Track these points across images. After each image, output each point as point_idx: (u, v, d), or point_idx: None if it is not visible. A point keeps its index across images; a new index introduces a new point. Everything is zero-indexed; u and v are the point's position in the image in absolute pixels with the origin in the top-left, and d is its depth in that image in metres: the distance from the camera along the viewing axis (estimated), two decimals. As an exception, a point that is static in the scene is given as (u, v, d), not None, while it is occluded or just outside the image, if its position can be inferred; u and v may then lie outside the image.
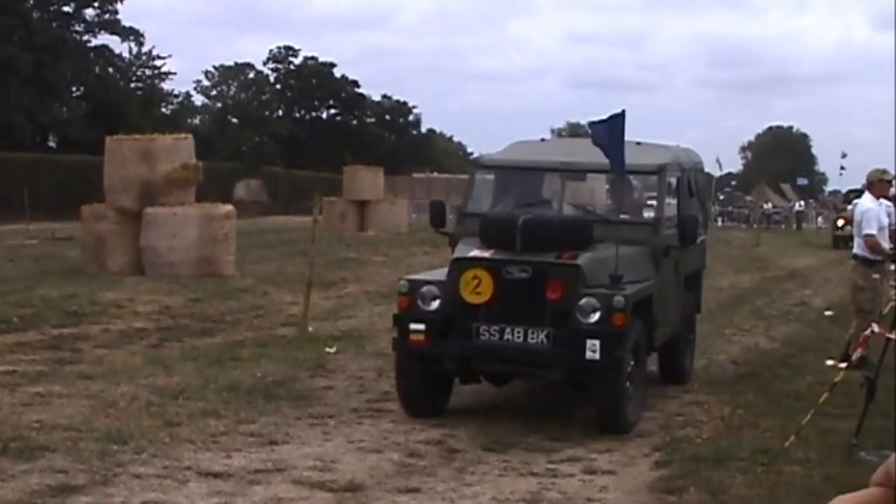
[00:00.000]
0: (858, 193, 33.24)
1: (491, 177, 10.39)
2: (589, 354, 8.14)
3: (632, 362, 8.52)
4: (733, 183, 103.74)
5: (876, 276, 10.89)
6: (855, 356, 8.15)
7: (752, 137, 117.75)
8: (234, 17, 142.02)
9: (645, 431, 8.66)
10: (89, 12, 58.89)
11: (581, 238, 8.72)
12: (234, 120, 73.78)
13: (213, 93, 78.08)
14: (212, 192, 24.75)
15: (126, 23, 60.38)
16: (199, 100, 77.20)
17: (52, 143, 56.83)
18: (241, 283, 18.08)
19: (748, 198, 73.86)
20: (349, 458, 7.51)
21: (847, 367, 8.20)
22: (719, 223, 65.84)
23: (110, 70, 61.10)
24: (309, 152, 73.65)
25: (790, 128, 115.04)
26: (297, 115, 79.64)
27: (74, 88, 58.35)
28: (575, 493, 6.90)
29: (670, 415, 9.31)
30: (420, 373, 8.81)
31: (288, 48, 79.64)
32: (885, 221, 11.05)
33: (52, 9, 56.80)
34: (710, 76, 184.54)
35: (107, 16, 59.11)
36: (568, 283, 8.36)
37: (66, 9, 57.90)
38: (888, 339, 8.34)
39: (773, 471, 7.31)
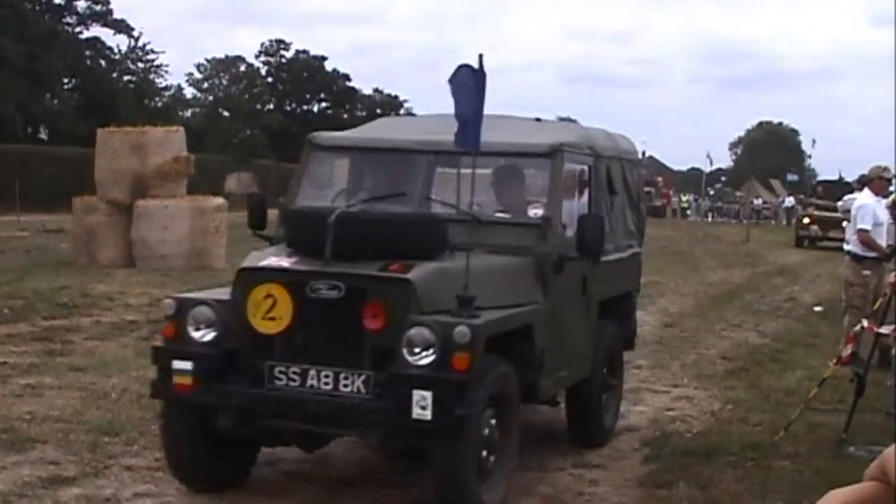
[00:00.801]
0: (828, 185, 33.53)
1: (342, 161, 7.95)
2: (417, 412, 5.54)
3: (492, 422, 5.95)
4: (723, 178, 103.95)
5: (867, 272, 10.82)
6: (845, 352, 8.17)
7: (742, 133, 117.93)
8: (225, 10, 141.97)
9: (634, 426, 8.68)
10: (81, 4, 58.79)
11: (427, 243, 6.19)
12: (226, 113, 73.46)
13: (205, 86, 77.81)
14: (203, 185, 24.73)
15: (118, 15, 60.36)
16: (190, 93, 77.00)
17: (43, 136, 56.59)
18: (231, 275, 18.03)
19: (738, 193, 73.92)
20: (341, 452, 7.50)
21: (837, 363, 8.24)
22: (709, 218, 66.21)
23: (102, 62, 60.91)
24: (300, 145, 72.34)
25: (780, 123, 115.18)
26: (289, 108, 79.43)
27: (66, 80, 58.14)
28: (565, 487, 6.91)
29: (660, 409, 9.33)
30: (194, 431, 6.25)
31: (279, 41, 79.40)
32: (883, 218, 10.84)
33: (43, 0, 56.61)
34: (702, 72, 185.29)
35: (99, 7, 58.99)
36: (394, 307, 5.78)
37: (57, 0, 57.73)
38: (877, 335, 8.39)
39: (762, 465, 7.36)
